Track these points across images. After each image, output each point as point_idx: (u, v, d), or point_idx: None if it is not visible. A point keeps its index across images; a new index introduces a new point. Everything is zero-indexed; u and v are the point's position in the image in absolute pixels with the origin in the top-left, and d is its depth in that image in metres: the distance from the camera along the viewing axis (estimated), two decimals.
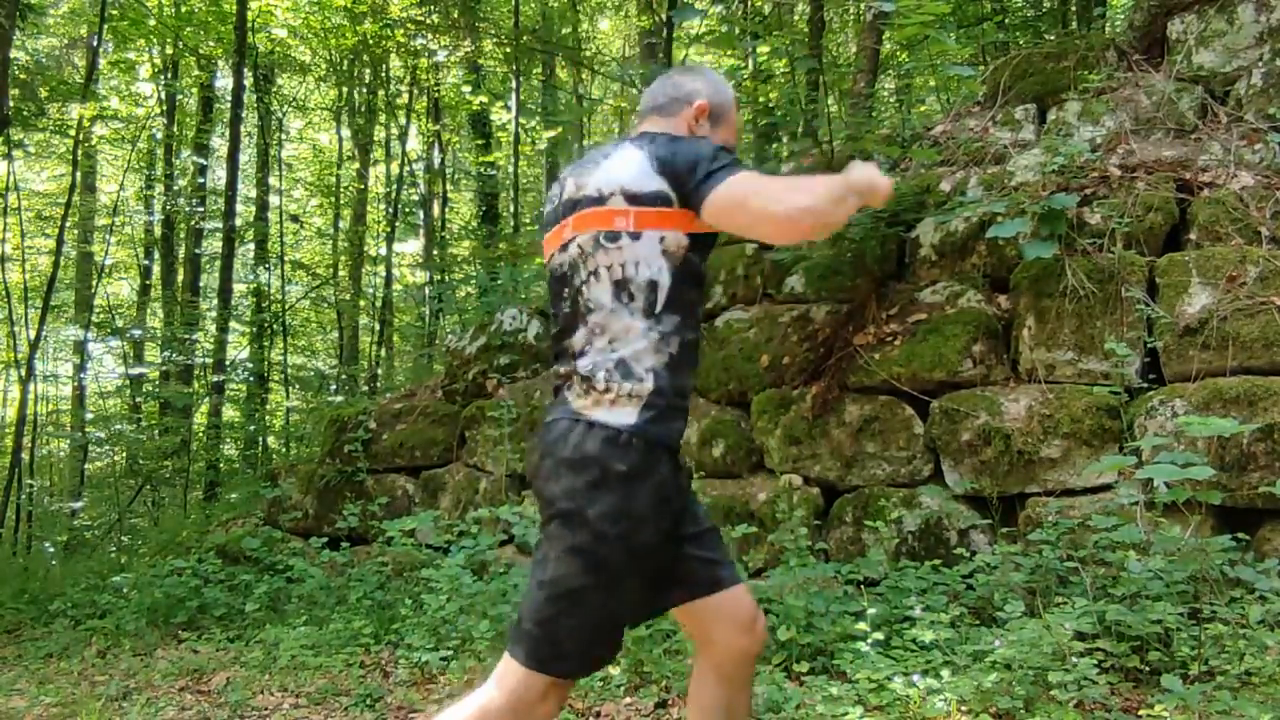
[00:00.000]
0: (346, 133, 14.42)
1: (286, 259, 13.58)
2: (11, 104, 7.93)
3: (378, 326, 13.75)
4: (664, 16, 9.77)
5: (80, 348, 13.36)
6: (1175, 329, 3.77)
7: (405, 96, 14.12)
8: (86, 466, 12.22)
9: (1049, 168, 4.35)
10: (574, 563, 1.84)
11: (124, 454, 11.65)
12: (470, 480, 5.62)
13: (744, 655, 1.96)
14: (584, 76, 14.51)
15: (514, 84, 12.71)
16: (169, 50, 12.83)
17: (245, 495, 7.78)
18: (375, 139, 14.59)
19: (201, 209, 12.52)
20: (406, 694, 3.63)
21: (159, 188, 14.06)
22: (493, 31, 12.33)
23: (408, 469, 5.96)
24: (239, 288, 12.64)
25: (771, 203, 1.80)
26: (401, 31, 11.88)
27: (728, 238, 4.61)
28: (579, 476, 1.84)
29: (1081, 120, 4.82)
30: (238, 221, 11.10)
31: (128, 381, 13.31)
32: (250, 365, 11.52)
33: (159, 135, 13.73)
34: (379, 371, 12.65)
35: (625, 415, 1.86)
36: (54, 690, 4.13)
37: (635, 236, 1.91)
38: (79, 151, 11.09)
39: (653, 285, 1.91)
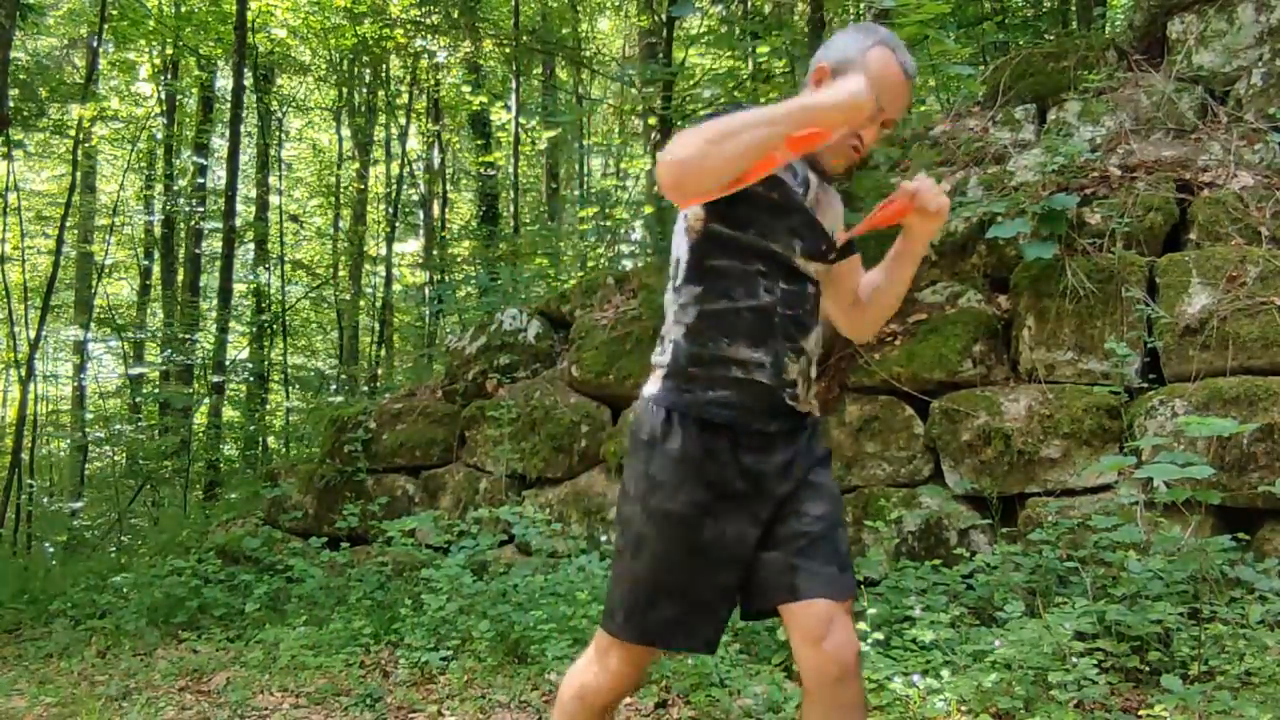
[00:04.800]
0: (346, 133, 14.42)
1: (286, 259, 13.58)
2: (11, 104, 7.92)
3: (378, 326, 13.74)
4: (664, 16, 9.76)
5: (80, 348, 13.35)
6: (1175, 329, 3.77)
7: (405, 96, 14.12)
8: (86, 466, 12.21)
9: (1049, 168, 4.35)
10: (617, 528, 1.96)
11: (124, 454, 11.63)
12: (470, 480, 5.62)
13: (813, 671, 1.79)
14: (584, 76, 14.50)
15: (514, 84, 12.70)
16: (169, 50, 12.82)
17: (245, 495, 7.77)
18: (375, 139, 14.59)
19: (201, 209, 12.51)
20: (406, 694, 3.63)
21: (159, 188, 14.05)
22: (493, 31, 12.32)
23: (408, 469, 5.96)
24: (239, 288, 12.63)
25: (665, 153, 1.64)
26: (401, 32, 11.87)
27: None
28: (629, 445, 1.97)
29: (1081, 120, 4.82)
30: (238, 221, 11.09)
31: (128, 381, 13.30)
32: (250, 365, 11.52)
33: (159, 135, 13.72)
34: (379, 371, 12.63)
35: (652, 386, 1.95)
36: (54, 690, 4.13)
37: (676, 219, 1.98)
38: (79, 151, 11.07)
39: (677, 262, 1.95)
